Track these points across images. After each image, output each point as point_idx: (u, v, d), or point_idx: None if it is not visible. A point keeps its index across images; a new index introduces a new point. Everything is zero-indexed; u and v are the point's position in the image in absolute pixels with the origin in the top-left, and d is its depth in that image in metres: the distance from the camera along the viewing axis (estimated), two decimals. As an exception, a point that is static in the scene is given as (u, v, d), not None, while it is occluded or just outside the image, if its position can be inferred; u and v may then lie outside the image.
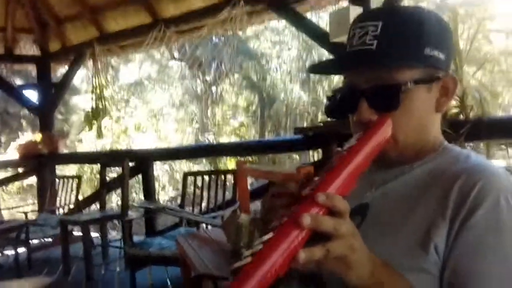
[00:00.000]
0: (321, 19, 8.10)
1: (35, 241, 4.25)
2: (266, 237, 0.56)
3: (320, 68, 0.96)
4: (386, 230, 0.75)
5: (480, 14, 8.07)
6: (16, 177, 6.77)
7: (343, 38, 2.89)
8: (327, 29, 3.34)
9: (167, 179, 10.82)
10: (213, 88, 12.62)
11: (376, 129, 0.72)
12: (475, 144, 2.92)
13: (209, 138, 11.64)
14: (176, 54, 12.10)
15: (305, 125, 10.75)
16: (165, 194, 10.67)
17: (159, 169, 9.98)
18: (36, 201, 6.00)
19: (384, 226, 0.76)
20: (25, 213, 4.60)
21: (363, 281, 0.61)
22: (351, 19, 2.98)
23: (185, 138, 11.90)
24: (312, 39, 3.86)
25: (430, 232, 0.69)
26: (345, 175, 0.63)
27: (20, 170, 6.26)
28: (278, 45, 12.13)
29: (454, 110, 2.55)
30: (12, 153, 6.11)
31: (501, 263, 0.66)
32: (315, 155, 8.09)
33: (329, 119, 3.14)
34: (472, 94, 2.60)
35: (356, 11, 2.95)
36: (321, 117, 10.33)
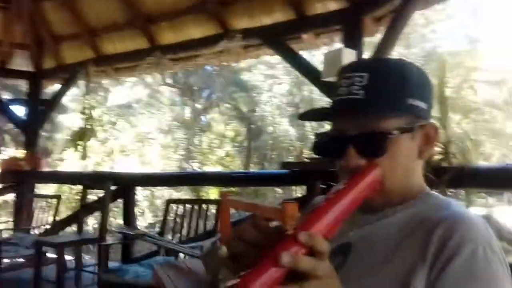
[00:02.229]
0: (315, 57, 8.28)
1: (5, 260, 4.11)
2: (245, 272, 0.57)
3: (310, 115, 1.01)
4: (367, 271, 0.76)
5: (468, 64, 8.36)
6: (-6, 193, 6.56)
7: (334, 78, 2.96)
8: (320, 67, 3.43)
9: (146, 205, 10.64)
10: (202, 117, 12.66)
11: (364, 175, 0.75)
12: (456, 191, 2.97)
13: (194, 165, 11.55)
14: (168, 80, 12.17)
15: (290, 159, 10.77)
16: (144, 220, 10.46)
17: (139, 194, 9.82)
18: (10, 219, 5.82)
19: (365, 267, 0.77)
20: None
21: None
22: (344, 61, 3.08)
23: (169, 164, 11.80)
24: (305, 76, 3.95)
25: (410, 276, 0.71)
26: (330, 217, 0.64)
27: (-1, 186, 6.10)
28: (270, 79, 12.29)
29: (438, 157, 2.61)
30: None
31: None
32: (297, 190, 8.10)
33: (315, 156, 3.17)
34: (455, 142, 2.67)
35: (348, 53, 3.05)
36: (306, 152, 10.37)
